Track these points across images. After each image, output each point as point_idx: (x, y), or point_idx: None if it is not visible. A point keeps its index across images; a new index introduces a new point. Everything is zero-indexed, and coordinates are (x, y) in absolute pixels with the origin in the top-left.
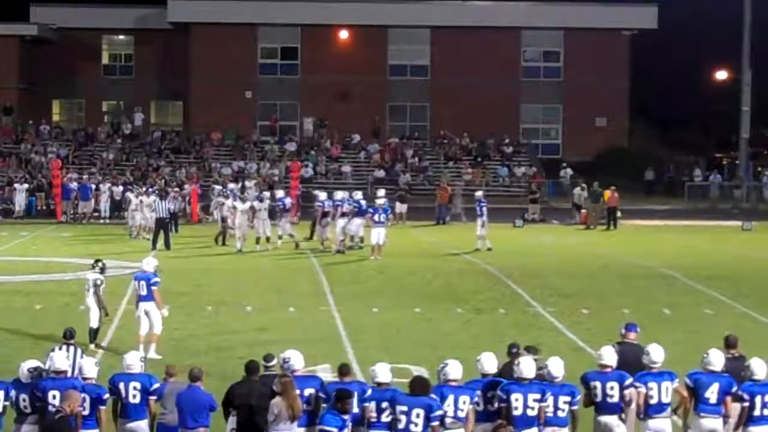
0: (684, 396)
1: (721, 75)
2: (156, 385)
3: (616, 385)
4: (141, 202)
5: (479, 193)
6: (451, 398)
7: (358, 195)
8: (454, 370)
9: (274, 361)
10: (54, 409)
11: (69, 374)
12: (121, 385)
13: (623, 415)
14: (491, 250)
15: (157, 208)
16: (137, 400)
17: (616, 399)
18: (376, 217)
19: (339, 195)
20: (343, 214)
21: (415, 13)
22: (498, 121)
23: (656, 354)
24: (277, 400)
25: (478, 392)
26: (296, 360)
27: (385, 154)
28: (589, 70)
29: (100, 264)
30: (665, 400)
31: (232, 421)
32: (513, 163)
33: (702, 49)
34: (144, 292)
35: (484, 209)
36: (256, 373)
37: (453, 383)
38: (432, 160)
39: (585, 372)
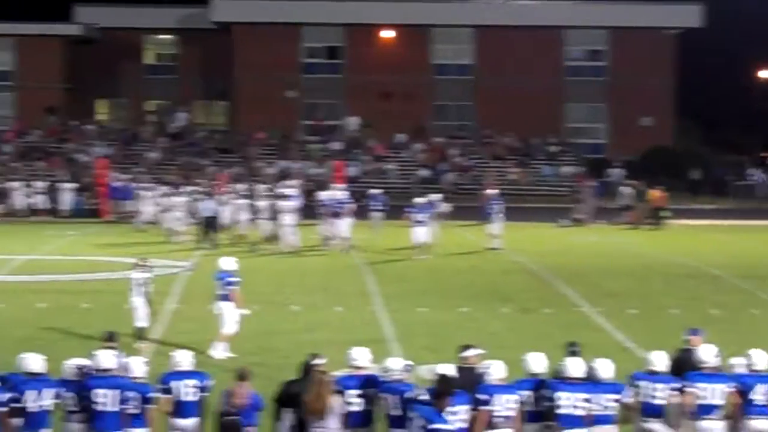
0: (735, 401)
1: (766, 74)
2: (209, 383)
3: (663, 386)
4: (194, 200)
5: (493, 192)
6: (498, 398)
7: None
8: (498, 370)
9: (321, 360)
10: (225, 409)
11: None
12: (175, 384)
13: (669, 420)
14: (496, 249)
15: (202, 208)
16: (191, 398)
17: (661, 401)
18: (417, 216)
19: (341, 194)
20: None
21: (459, 12)
22: (543, 120)
23: (706, 354)
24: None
25: (526, 392)
26: (360, 356)
27: (430, 153)
28: (634, 69)
29: (145, 263)
30: (716, 402)
31: (289, 418)
32: (558, 163)
33: (747, 48)
34: (220, 292)
35: (500, 207)
36: (310, 371)
37: (498, 382)
38: (477, 160)
39: (634, 372)
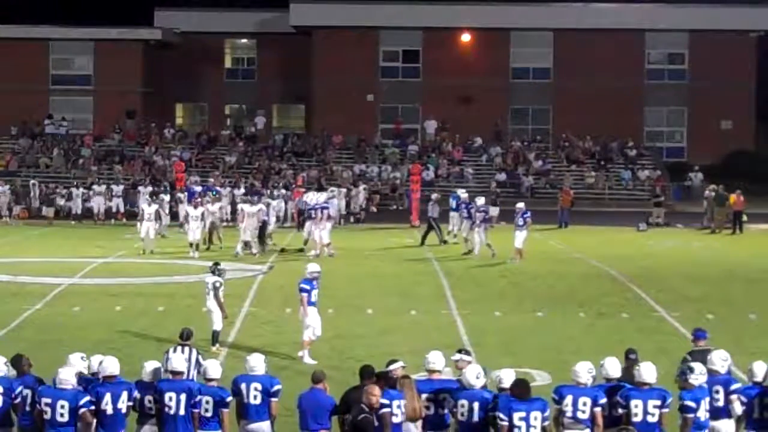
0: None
1: None
2: (277, 387)
3: (721, 389)
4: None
5: (521, 205)
6: (569, 398)
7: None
8: (583, 371)
9: (395, 365)
10: (359, 408)
11: (186, 376)
12: (243, 386)
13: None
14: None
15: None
16: (258, 401)
17: (721, 403)
18: (518, 221)
19: (324, 196)
20: (329, 217)
21: (538, 16)
22: (621, 124)
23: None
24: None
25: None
26: (437, 361)
27: (507, 157)
28: (714, 72)
29: (218, 267)
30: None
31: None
32: (637, 167)
33: None
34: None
35: (528, 220)
36: (371, 377)
37: (580, 385)
38: (554, 164)
39: None
